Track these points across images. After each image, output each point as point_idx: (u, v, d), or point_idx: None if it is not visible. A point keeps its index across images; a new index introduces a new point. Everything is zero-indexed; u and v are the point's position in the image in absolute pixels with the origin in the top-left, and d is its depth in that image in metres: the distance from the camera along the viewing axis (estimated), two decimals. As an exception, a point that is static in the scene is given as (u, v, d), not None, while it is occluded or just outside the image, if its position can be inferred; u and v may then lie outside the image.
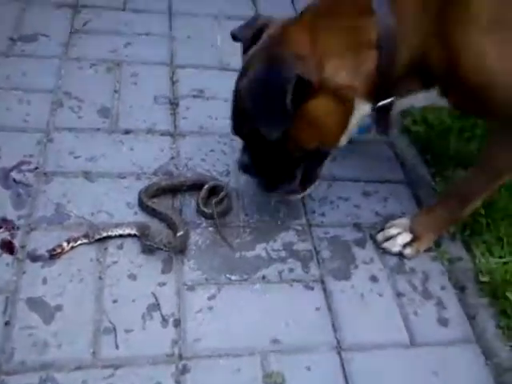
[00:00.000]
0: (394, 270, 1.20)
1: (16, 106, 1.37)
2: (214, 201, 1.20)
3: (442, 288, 1.19)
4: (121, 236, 1.14)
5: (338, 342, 1.04)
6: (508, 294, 1.17)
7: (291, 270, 1.15)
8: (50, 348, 0.95)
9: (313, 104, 0.98)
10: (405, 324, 1.10)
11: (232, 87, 1.09)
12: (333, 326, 1.06)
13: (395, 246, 1.22)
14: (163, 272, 1.10)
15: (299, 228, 1.24)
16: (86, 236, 1.11)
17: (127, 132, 1.37)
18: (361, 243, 1.24)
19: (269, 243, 1.19)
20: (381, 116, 1.05)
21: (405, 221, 1.25)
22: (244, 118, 1.05)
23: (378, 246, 1.23)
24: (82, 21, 1.71)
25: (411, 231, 1.22)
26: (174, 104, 1.48)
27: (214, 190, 1.25)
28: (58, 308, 1.00)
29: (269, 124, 0.99)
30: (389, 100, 1.02)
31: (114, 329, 1.00)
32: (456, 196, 1.21)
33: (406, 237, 1.22)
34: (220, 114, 1.49)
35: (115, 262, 1.10)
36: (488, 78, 0.96)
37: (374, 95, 1.01)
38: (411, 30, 0.95)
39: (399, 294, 1.15)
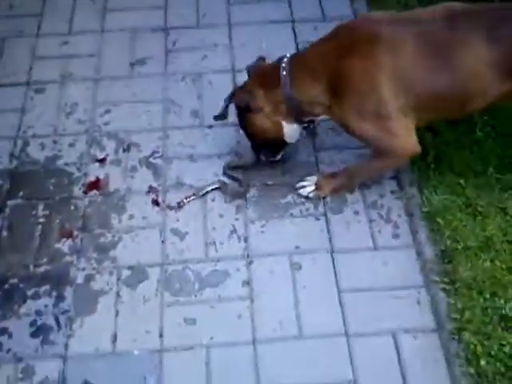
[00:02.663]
0: (371, 206, 2.04)
1: (143, 113, 2.28)
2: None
3: (399, 216, 2.02)
4: (212, 190, 2.06)
5: (332, 248, 1.93)
6: (438, 219, 1.98)
7: (307, 209, 2.03)
8: (185, 253, 1.92)
9: (254, 117, 1.91)
10: (372, 237, 1.96)
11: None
12: (329, 240, 1.95)
13: (304, 192, 2.04)
14: (236, 213, 2.02)
15: (314, 183, 2.10)
16: (194, 194, 2.04)
17: (210, 127, 2.24)
18: (351, 191, 2.08)
19: (295, 194, 2.06)
20: (308, 128, 2.01)
21: (314, 178, 2.05)
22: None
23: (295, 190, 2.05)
24: (171, 41, 2.54)
25: (316, 186, 2.03)
26: (236, 103, 2.33)
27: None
28: (187, 233, 1.96)
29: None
30: (307, 120, 1.94)
31: (214, 243, 1.94)
32: (348, 173, 2.03)
33: (312, 188, 2.04)
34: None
35: (212, 208, 2.03)
36: (349, 129, 1.87)
37: (294, 119, 1.91)
38: (305, 97, 1.84)
39: (371, 221, 2.00)
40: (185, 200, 2.02)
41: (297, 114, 1.89)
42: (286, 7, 2.69)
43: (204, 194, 2.04)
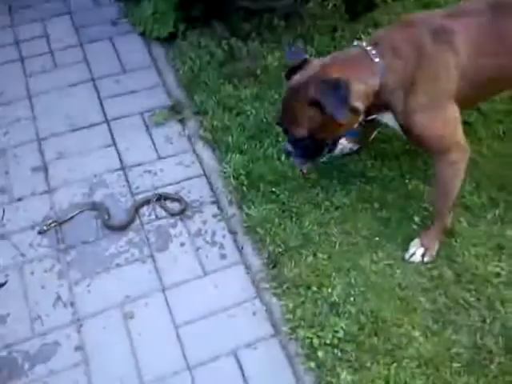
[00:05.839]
0: (195, 234, 2.07)
1: None
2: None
3: (223, 237, 2.06)
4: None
5: (163, 286, 1.92)
6: (258, 229, 2.04)
7: (133, 255, 2.00)
8: (8, 336, 1.80)
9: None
10: (200, 264, 1.97)
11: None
12: (159, 279, 1.94)
13: (417, 258, 1.92)
14: (59, 279, 1.94)
15: (135, 228, 2.09)
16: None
17: (20, 199, 2.16)
18: (174, 225, 2.10)
19: (118, 243, 2.04)
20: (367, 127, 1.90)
21: (417, 241, 1.93)
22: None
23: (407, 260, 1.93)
24: (-31, 125, 2.45)
25: (422, 246, 1.91)
26: None
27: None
28: (8, 315, 1.85)
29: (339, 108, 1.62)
30: (373, 116, 1.78)
31: (39, 316, 1.85)
32: (439, 215, 1.91)
33: (421, 250, 1.92)
34: None
35: (31, 282, 1.93)
36: (417, 131, 1.74)
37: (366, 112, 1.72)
38: (393, 85, 1.69)
39: (198, 249, 2.03)
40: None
41: (379, 104, 1.72)
42: (85, 67, 2.72)
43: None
